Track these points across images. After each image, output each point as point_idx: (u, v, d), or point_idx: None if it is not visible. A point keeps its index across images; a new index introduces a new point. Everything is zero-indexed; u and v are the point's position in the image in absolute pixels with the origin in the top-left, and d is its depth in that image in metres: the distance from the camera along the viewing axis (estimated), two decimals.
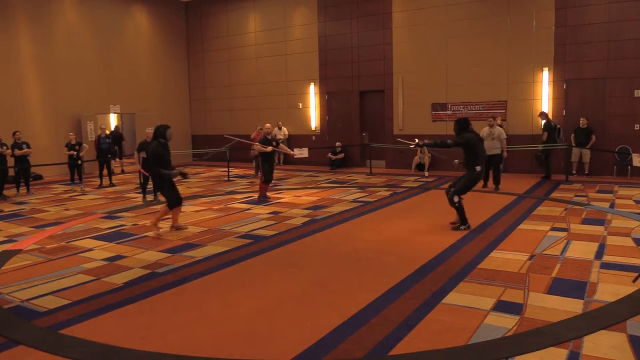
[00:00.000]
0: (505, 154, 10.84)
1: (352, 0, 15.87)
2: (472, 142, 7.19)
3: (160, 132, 7.09)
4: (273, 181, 12.56)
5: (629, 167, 12.13)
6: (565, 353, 3.47)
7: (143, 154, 10.17)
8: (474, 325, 3.93)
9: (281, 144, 10.48)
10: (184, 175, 7.41)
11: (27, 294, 4.95)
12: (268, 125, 10.58)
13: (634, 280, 4.58)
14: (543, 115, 12.46)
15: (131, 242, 6.99)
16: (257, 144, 10.25)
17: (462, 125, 7.34)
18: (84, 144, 12.77)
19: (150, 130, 10.53)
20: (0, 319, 4.34)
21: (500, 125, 11.89)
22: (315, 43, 16.71)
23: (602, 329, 3.81)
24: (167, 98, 19.06)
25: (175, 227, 7.52)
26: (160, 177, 7.05)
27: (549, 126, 12.25)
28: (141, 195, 10.64)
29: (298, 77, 17.18)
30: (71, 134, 12.80)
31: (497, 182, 10.83)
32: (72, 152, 12.36)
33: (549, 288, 4.72)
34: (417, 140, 7.62)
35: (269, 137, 10.17)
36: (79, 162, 12.51)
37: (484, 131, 10.68)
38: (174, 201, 7.24)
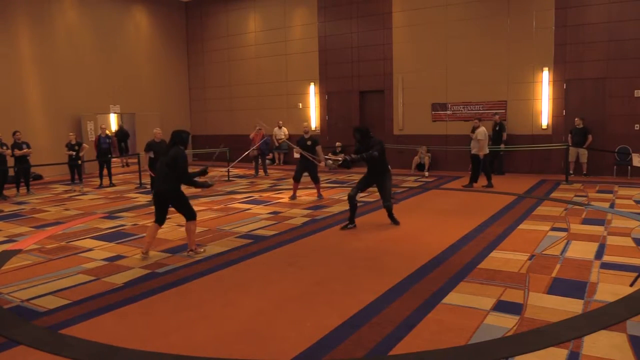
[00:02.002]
0: (481, 154, 11.12)
1: (352, 0, 15.87)
2: (384, 146, 7.49)
3: (183, 139, 6.18)
4: (273, 181, 12.52)
5: (629, 167, 12.14)
6: (565, 353, 3.47)
7: (150, 154, 10.13)
8: (474, 325, 3.93)
9: (318, 148, 10.14)
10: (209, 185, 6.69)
11: (27, 294, 4.95)
12: (306, 124, 10.77)
13: (632, 284, 4.57)
14: (500, 115, 13.43)
15: (131, 242, 6.99)
16: (326, 157, 10.08)
17: (366, 132, 7.49)
18: (84, 144, 12.74)
19: (158, 130, 10.51)
20: (0, 319, 4.34)
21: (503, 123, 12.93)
22: (315, 43, 16.71)
23: (602, 329, 3.81)
24: (167, 98, 19.06)
25: (193, 250, 6.28)
26: (180, 188, 6.22)
27: (502, 126, 13.31)
28: (141, 195, 10.64)
29: (298, 77, 17.18)
30: (71, 134, 12.77)
31: (489, 178, 11.30)
32: (71, 152, 12.35)
33: (549, 288, 4.72)
34: (343, 156, 7.71)
35: (306, 136, 10.22)
36: (79, 162, 12.48)
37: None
38: (194, 212, 6.26)
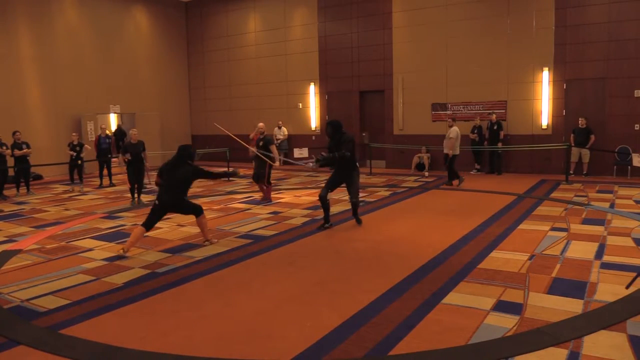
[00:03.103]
0: (450, 153, 11.46)
1: (352, 0, 15.87)
2: (354, 144, 7.44)
3: (191, 155, 6.61)
4: (273, 181, 12.50)
5: (629, 167, 12.14)
6: (565, 353, 3.47)
7: (127, 156, 9.78)
8: (474, 325, 3.93)
9: (272, 147, 9.83)
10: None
11: (27, 294, 4.95)
12: (261, 124, 10.27)
13: (628, 287, 4.49)
14: (498, 115, 13.62)
15: None
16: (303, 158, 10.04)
17: (338, 126, 7.45)
18: (86, 145, 12.65)
19: (134, 132, 10.26)
20: (0, 319, 4.34)
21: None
22: (315, 43, 16.72)
23: (602, 329, 3.81)
24: (167, 98, 19.06)
25: (209, 240, 6.76)
26: (186, 196, 6.60)
27: (499, 125, 13.50)
28: (131, 198, 10.25)
29: (298, 77, 17.18)
30: (74, 134, 12.67)
31: (450, 178, 11.58)
32: (72, 152, 12.29)
33: (549, 288, 4.72)
34: (314, 156, 7.76)
35: (260, 136, 9.86)
36: (79, 162, 12.43)
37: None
38: (199, 207, 6.67)
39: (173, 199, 6.38)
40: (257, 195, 10.37)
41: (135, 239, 6.29)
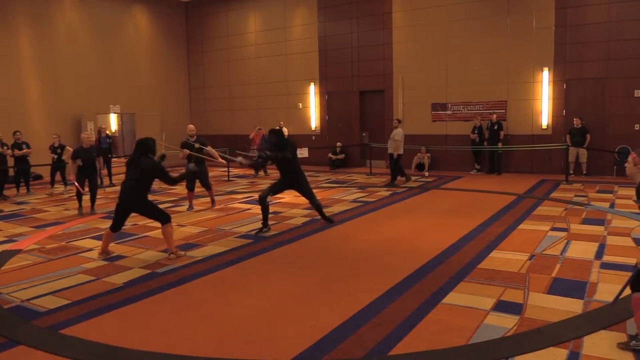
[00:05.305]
0: (395, 154, 11.88)
1: (352, 0, 15.87)
2: (296, 149, 7.61)
3: (150, 147, 6.12)
4: (273, 181, 12.41)
5: None
6: (565, 353, 3.47)
7: (78, 162, 9.07)
8: (474, 325, 3.94)
9: (209, 149, 9.09)
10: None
11: (27, 294, 4.95)
12: (191, 126, 9.46)
13: (612, 304, 4.05)
14: (498, 115, 13.62)
15: (131, 242, 6.98)
16: (238, 152, 9.35)
17: (282, 134, 7.60)
18: (67, 147, 12.13)
19: (86, 135, 9.51)
20: (0, 319, 4.34)
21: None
22: (315, 43, 16.71)
23: (602, 329, 3.81)
24: (167, 98, 19.05)
25: (174, 253, 6.19)
26: (146, 197, 6.16)
27: (500, 125, 13.47)
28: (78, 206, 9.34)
29: (298, 77, 17.18)
30: (54, 135, 12.28)
31: (393, 177, 12.10)
32: (53, 155, 11.87)
33: (549, 288, 4.72)
34: (257, 153, 7.74)
35: (192, 139, 9.05)
36: (66, 164, 11.88)
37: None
38: (167, 214, 6.22)
39: (131, 196, 6.02)
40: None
41: (106, 242, 6.27)
